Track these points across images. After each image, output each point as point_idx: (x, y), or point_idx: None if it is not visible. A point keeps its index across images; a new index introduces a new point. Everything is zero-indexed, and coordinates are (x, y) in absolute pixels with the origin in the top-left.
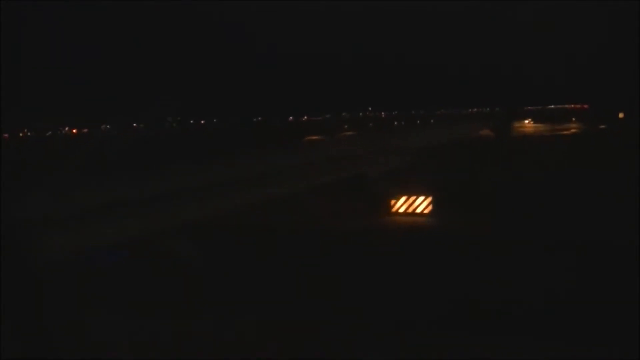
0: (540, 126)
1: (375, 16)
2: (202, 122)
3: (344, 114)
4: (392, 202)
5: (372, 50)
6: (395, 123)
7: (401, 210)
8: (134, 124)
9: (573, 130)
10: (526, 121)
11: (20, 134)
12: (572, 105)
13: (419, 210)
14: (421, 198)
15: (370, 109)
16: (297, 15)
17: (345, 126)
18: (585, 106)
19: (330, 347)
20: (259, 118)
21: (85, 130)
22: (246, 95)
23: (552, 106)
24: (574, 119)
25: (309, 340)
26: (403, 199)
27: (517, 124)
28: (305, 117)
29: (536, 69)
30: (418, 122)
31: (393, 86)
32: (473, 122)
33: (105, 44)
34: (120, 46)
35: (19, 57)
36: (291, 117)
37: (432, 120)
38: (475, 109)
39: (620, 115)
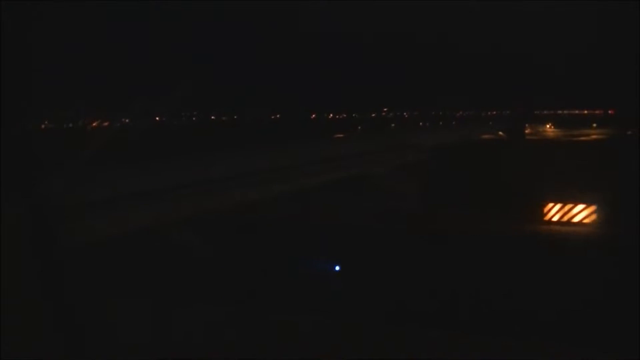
0: (559, 131)
1: (406, 12)
2: (223, 118)
3: (354, 115)
4: (545, 209)
5: (393, 49)
6: (421, 124)
7: (555, 218)
8: (157, 118)
9: (595, 136)
10: (547, 125)
11: (42, 126)
12: (598, 111)
13: (576, 220)
14: (580, 206)
15: (385, 109)
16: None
17: (359, 127)
18: (611, 111)
19: None
20: (277, 115)
21: (106, 123)
22: (264, 91)
23: (576, 111)
24: (594, 125)
25: None
26: (557, 206)
27: (539, 128)
28: (330, 115)
29: (559, 71)
30: (441, 123)
31: (413, 86)
32: (492, 123)
33: (117, 36)
34: (131, 39)
35: (33, 52)
36: (314, 115)
37: (453, 123)
38: (494, 112)
39: None
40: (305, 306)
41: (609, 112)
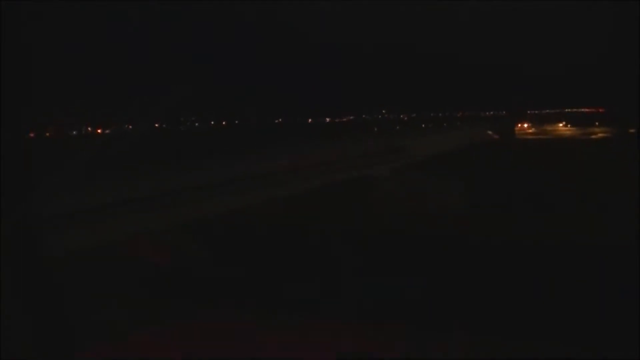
0: (576, 129)
1: (400, 15)
2: (224, 122)
3: (364, 116)
4: None
5: (389, 50)
6: (423, 125)
7: None
8: (156, 124)
9: (602, 135)
10: (560, 124)
11: (47, 134)
12: (588, 109)
13: None
14: None
15: (384, 111)
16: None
17: (376, 128)
18: (601, 109)
19: None
20: (280, 119)
21: (108, 131)
22: (264, 91)
23: (568, 109)
24: (597, 122)
25: None
26: None
27: (549, 127)
28: (328, 119)
29: (549, 71)
30: (445, 124)
31: (412, 87)
32: (490, 123)
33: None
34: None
35: (32, 57)
36: (310, 119)
37: (458, 123)
38: (491, 112)
39: None
40: None
41: (600, 110)
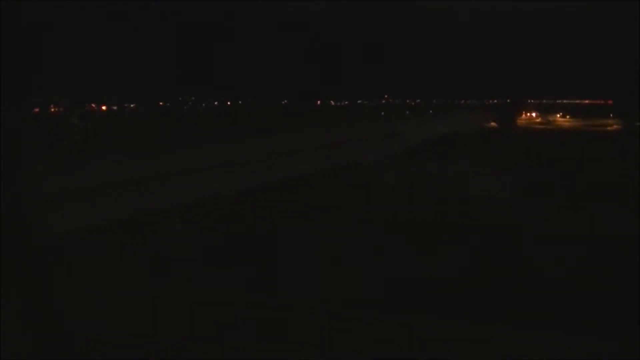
0: (578, 121)
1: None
2: (228, 102)
3: (360, 101)
4: None
5: (392, 44)
6: (431, 111)
7: None
8: (160, 102)
9: (611, 127)
10: (558, 115)
11: (52, 109)
12: (593, 101)
13: None
14: None
15: (386, 96)
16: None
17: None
18: (609, 102)
19: None
20: (285, 101)
21: (115, 107)
22: (265, 78)
23: (576, 101)
24: (611, 115)
25: None
26: None
27: (549, 117)
28: (332, 102)
29: (554, 62)
30: (449, 112)
31: (418, 75)
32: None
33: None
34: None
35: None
36: (319, 101)
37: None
38: (495, 100)
39: None
40: None
41: (608, 102)
